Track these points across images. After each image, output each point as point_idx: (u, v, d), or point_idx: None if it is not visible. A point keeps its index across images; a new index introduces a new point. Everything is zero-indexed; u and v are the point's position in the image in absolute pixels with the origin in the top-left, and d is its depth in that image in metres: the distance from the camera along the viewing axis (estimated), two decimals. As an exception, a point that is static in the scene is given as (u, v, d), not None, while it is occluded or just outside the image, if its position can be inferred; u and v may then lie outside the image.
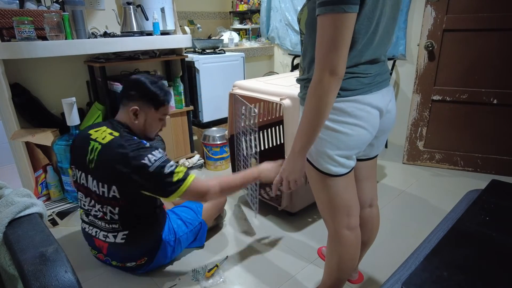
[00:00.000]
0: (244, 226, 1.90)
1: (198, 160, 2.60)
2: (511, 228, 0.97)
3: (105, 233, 1.39)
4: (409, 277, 0.79)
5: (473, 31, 2.26)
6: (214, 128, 2.77)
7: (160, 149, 1.34)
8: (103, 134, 1.34)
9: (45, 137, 1.93)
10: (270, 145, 2.46)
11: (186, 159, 2.59)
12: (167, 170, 1.26)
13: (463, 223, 1.00)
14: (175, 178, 1.27)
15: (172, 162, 1.30)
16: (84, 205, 1.42)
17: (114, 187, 1.29)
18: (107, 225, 1.38)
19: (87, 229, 1.46)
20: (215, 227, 1.86)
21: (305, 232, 1.83)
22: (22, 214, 0.86)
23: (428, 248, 0.96)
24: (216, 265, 1.57)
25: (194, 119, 2.90)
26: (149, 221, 1.41)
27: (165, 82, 1.81)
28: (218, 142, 2.60)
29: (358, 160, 1.13)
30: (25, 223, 0.84)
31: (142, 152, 1.26)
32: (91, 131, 1.38)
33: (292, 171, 0.98)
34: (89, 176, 1.36)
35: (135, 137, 1.36)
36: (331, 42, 0.80)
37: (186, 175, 1.30)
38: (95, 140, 1.34)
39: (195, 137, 2.93)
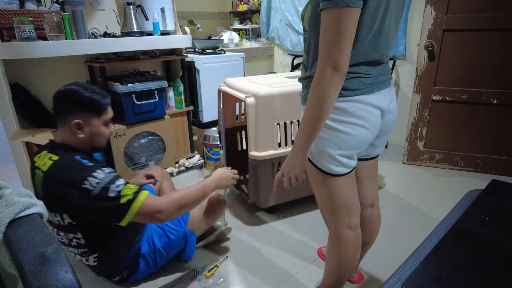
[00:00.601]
0: (245, 226, 1.90)
1: (198, 160, 2.60)
2: (511, 228, 0.97)
3: (79, 257, 1.34)
4: (409, 277, 0.79)
5: (473, 31, 2.26)
6: (214, 128, 2.77)
7: (103, 168, 1.19)
8: (44, 160, 1.21)
9: (45, 137, 1.92)
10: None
11: (186, 159, 2.59)
12: (111, 192, 1.12)
13: (463, 223, 1.00)
14: (123, 200, 1.13)
15: (119, 182, 1.16)
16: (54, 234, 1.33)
17: (65, 215, 1.19)
18: (77, 250, 1.31)
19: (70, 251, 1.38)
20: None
21: (305, 232, 1.83)
22: (22, 214, 0.86)
23: (428, 248, 0.96)
24: (216, 265, 1.57)
25: (194, 119, 2.90)
26: (116, 239, 1.34)
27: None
28: (218, 142, 2.60)
29: (359, 159, 1.13)
30: (25, 223, 0.84)
31: (82, 175, 1.13)
32: (35, 158, 1.26)
33: (292, 167, 0.98)
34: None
35: (77, 157, 1.21)
36: (334, 37, 0.79)
37: (135, 195, 1.16)
38: (38, 168, 1.21)
39: (195, 137, 2.93)
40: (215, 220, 1.61)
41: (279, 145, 1.80)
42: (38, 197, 1.16)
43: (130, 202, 1.14)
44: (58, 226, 1.24)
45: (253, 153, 1.74)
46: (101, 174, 1.15)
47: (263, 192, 1.88)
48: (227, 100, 2.04)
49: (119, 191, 1.14)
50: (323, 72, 0.82)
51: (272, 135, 1.74)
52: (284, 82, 1.83)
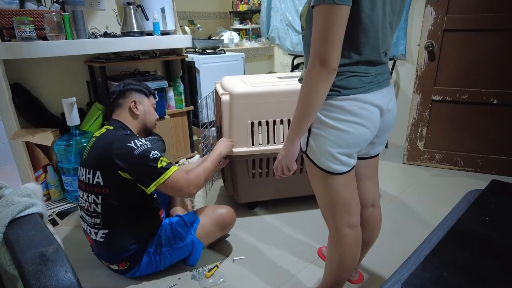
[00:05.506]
0: (245, 226, 1.90)
1: (198, 160, 2.60)
2: (511, 228, 0.97)
3: (90, 229, 1.41)
4: (409, 277, 0.79)
5: (473, 31, 2.26)
6: (214, 128, 2.77)
7: (146, 141, 1.40)
8: (101, 131, 1.44)
9: (45, 137, 1.93)
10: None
11: (186, 159, 2.59)
12: (152, 155, 1.31)
13: (463, 223, 1.00)
14: (159, 165, 1.32)
15: (157, 151, 1.34)
16: (79, 199, 1.47)
17: (98, 173, 1.33)
18: (90, 219, 1.39)
19: (82, 224, 1.49)
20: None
21: (305, 232, 1.83)
22: (22, 214, 0.86)
23: (428, 248, 0.96)
24: (216, 265, 1.57)
25: (194, 119, 2.90)
26: (130, 222, 1.40)
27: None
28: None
29: (359, 158, 1.14)
30: (25, 223, 0.84)
31: (129, 138, 1.34)
32: (96, 133, 1.47)
33: (283, 156, 1.02)
34: (81, 167, 1.42)
35: (127, 131, 1.45)
36: (322, 33, 0.81)
37: (169, 165, 1.35)
38: (93, 137, 1.45)
39: (195, 137, 2.93)
40: (222, 234, 1.66)
41: (253, 143, 1.79)
42: (83, 158, 1.43)
43: (163, 169, 1.32)
44: (86, 184, 1.37)
45: None
46: (144, 141, 1.35)
47: (240, 188, 1.91)
48: (217, 97, 2.06)
49: (158, 157, 1.32)
50: (312, 67, 0.84)
51: (245, 133, 1.76)
52: (271, 81, 1.83)
